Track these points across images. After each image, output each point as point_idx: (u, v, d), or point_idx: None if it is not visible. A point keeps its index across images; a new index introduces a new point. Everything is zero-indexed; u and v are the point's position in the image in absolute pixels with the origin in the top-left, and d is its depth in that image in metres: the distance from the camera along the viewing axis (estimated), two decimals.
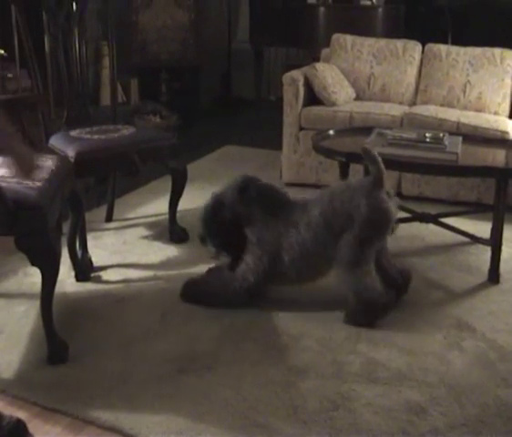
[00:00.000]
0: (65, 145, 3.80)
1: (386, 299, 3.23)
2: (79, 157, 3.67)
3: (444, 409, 2.64)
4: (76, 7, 4.20)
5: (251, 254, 3.32)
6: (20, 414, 2.50)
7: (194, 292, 3.43)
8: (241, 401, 2.64)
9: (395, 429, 2.51)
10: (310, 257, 3.27)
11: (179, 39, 7.07)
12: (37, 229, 2.74)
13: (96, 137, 3.92)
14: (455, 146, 3.88)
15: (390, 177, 4.93)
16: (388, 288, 3.28)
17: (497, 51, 5.42)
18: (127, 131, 4.07)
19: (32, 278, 3.57)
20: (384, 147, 3.73)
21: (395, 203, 3.28)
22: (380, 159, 3.23)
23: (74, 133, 3.98)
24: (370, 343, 3.09)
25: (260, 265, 3.30)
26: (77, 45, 4.25)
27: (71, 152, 3.69)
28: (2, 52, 5.52)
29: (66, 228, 3.73)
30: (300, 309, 3.38)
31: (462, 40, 5.89)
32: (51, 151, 3.80)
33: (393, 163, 3.71)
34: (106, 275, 3.73)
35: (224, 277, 3.40)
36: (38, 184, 2.87)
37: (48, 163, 3.16)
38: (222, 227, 3.42)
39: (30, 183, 2.83)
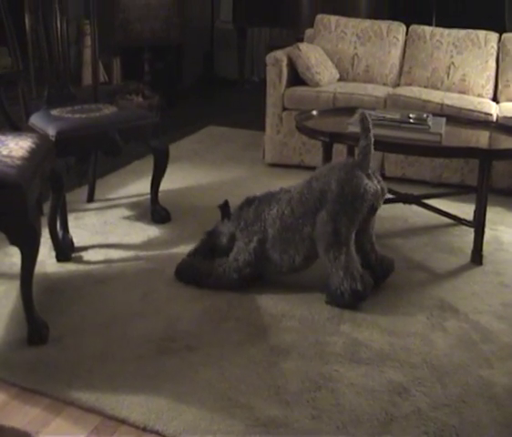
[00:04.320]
0: (45, 124, 3.76)
1: (365, 283, 3.22)
2: (60, 136, 3.63)
3: (426, 389, 2.63)
4: None
5: (241, 237, 3.37)
6: None
7: (188, 273, 3.41)
8: (223, 382, 2.62)
9: (378, 409, 2.50)
10: (288, 231, 3.27)
11: (162, 18, 7.00)
12: (17, 208, 2.71)
13: (77, 116, 3.88)
14: (438, 126, 3.87)
15: (373, 159, 4.94)
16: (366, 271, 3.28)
17: (482, 33, 5.42)
18: (108, 110, 4.03)
19: (12, 258, 3.54)
20: None
21: (378, 183, 3.24)
22: (371, 129, 3.22)
23: (55, 112, 3.94)
24: (352, 324, 3.08)
25: (249, 244, 3.31)
26: (58, 23, 4.18)
27: (52, 131, 3.65)
28: None
29: (46, 208, 3.69)
30: (282, 289, 3.36)
31: (446, 22, 5.88)
32: (31, 130, 3.76)
33: (376, 143, 3.66)
34: (87, 255, 3.69)
35: (218, 260, 3.41)
36: (18, 162, 2.83)
37: (28, 141, 3.12)
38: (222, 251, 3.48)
39: (9, 161, 2.79)
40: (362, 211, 3.18)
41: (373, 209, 3.25)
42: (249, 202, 3.44)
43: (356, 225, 3.20)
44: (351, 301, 3.18)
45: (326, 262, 3.22)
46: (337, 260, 3.16)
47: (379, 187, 3.24)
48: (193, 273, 3.39)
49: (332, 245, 3.16)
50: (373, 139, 3.23)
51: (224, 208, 3.47)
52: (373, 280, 3.30)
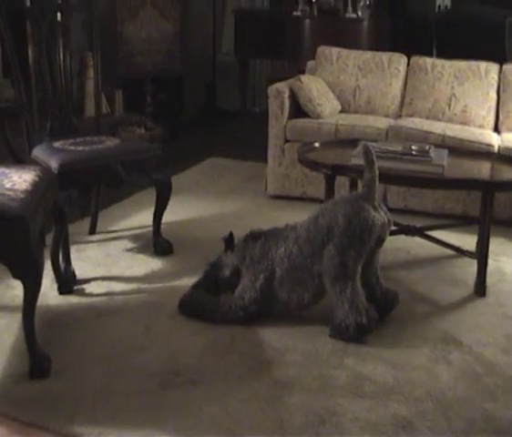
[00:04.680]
0: (48, 156, 3.77)
1: (370, 316, 3.20)
2: (62, 169, 3.63)
3: (431, 423, 2.61)
4: (61, 17, 4.16)
5: (247, 274, 3.35)
6: None
7: (192, 306, 3.39)
8: (226, 416, 2.60)
9: None
10: (297, 271, 3.25)
11: (164, 50, 7.03)
12: (19, 241, 2.70)
13: (79, 148, 3.89)
14: (440, 158, 3.87)
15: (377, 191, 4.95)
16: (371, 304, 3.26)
17: (482, 64, 5.44)
18: (111, 142, 4.04)
19: (14, 290, 3.52)
20: None
21: (384, 214, 3.24)
22: (376, 161, 3.22)
23: (57, 144, 3.95)
24: (356, 357, 3.06)
25: (256, 282, 3.30)
26: (62, 56, 4.21)
27: (54, 163, 3.66)
28: None
29: (49, 240, 3.68)
30: (285, 323, 3.35)
31: (447, 53, 5.91)
32: (34, 162, 3.76)
33: (379, 175, 3.69)
34: (89, 288, 3.68)
35: (223, 297, 3.39)
36: (21, 195, 2.83)
37: (31, 174, 3.12)
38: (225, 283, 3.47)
39: (12, 194, 2.79)
40: (370, 244, 3.17)
41: (381, 241, 3.24)
42: (254, 237, 3.41)
43: (364, 258, 3.19)
44: (355, 335, 3.16)
45: (332, 295, 3.20)
46: (343, 293, 3.15)
47: (386, 218, 3.23)
48: (197, 307, 3.38)
49: (338, 278, 3.15)
50: (377, 172, 3.23)
51: (229, 239, 3.46)
52: (378, 313, 3.28)
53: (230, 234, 3.48)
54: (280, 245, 3.31)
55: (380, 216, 3.19)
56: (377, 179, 3.23)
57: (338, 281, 3.15)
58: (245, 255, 3.38)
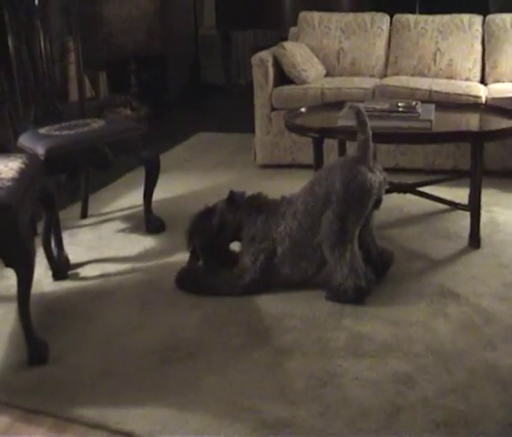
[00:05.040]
0: (34, 143, 3.74)
1: (368, 279, 3.20)
2: (49, 155, 3.61)
3: (432, 377, 2.61)
4: (38, 2, 4.12)
5: (247, 253, 3.32)
6: (2, 419, 2.46)
7: (190, 282, 3.38)
8: (227, 387, 2.60)
9: (384, 401, 2.48)
10: (299, 246, 3.23)
11: (145, 29, 6.97)
12: (9, 229, 2.69)
13: (65, 132, 3.86)
14: (428, 113, 3.85)
15: None
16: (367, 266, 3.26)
17: (465, 17, 5.42)
18: (96, 124, 4.02)
19: (8, 280, 3.50)
20: None
21: (380, 174, 3.22)
22: (368, 122, 3.20)
23: (43, 130, 3.92)
24: (354, 318, 3.06)
25: (256, 262, 3.28)
26: (42, 42, 4.17)
27: (41, 150, 3.64)
28: None
29: (41, 227, 3.66)
30: (281, 289, 3.34)
31: (430, 8, 5.87)
32: (21, 151, 3.74)
33: None
34: (83, 272, 3.67)
35: (221, 274, 3.36)
36: (8, 184, 2.81)
37: (17, 162, 3.10)
38: (209, 232, 3.39)
39: None
40: (368, 206, 3.16)
41: (378, 202, 3.22)
42: (257, 210, 3.34)
43: (362, 221, 3.18)
44: (354, 298, 3.16)
45: (331, 260, 3.19)
46: (342, 258, 3.13)
47: (382, 178, 3.21)
48: (195, 283, 3.36)
49: (337, 243, 3.13)
50: (370, 132, 3.20)
51: (236, 196, 3.40)
52: (374, 274, 3.28)
53: (235, 193, 3.42)
54: (279, 223, 3.27)
55: (376, 177, 3.17)
56: (371, 140, 3.21)
57: (337, 246, 3.13)
58: (249, 226, 3.33)
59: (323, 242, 3.18)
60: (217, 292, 3.30)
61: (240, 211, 3.37)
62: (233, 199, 3.39)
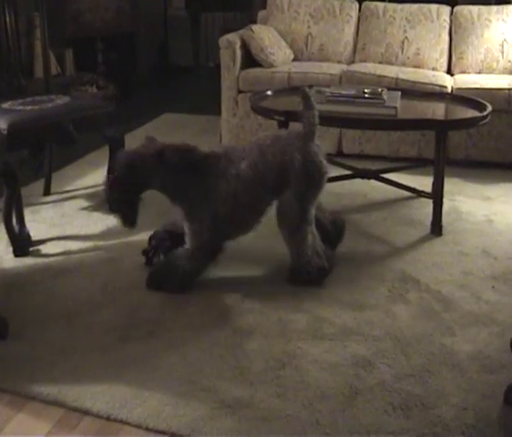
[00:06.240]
0: None
1: (328, 257, 3.22)
2: (11, 129, 3.57)
3: (390, 361, 2.64)
4: None
5: (190, 226, 3.16)
6: None
7: (156, 281, 3.23)
8: (186, 366, 2.60)
9: (343, 384, 2.50)
10: (243, 209, 3.15)
11: (114, 7, 6.90)
12: None
13: (29, 108, 3.82)
14: (393, 100, 3.87)
15: (330, 136, 4.95)
16: (324, 241, 3.27)
17: (434, 7, 5.46)
18: (61, 101, 3.98)
19: None
20: (322, 104, 3.69)
21: (324, 155, 3.21)
22: (315, 104, 3.19)
23: (5, 105, 3.88)
24: (315, 300, 3.08)
25: (202, 228, 3.14)
26: (7, 17, 4.12)
27: (3, 124, 3.59)
28: None
29: (1, 203, 3.62)
30: (242, 270, 3.36)
31: None
32: None
33: (332, 119, 3.71)
34: (45, 248, 3.64)
35: (172, 261, 3.22)
36: None
37: None
38: (132, 189, 3.12)
39: None
40: (323, 187, 3.17)
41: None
42: (194, 168, 3.11)
43: (317, 201, 3.20)
44: (316, 279, 3.18)
45: (291, 244, 3.18)
46: (304, 241, 3.14)
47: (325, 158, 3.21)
48: (160, 282, 3.22)
49: (299, 227, 3.13)
50: (317, 111, 3.18)
51: (167, 154, 3.11)
52: (331, 246, 3.32)
53: (167, 151, 3.12)
54: (219, 182, 3.09)
55: (324, 156, 3.18)
56: (318, 119, 3.18)
57: (299, 230, 3.13)
58: (185, 189, 3.12)
59: (283, 225, 3.17)
60: (175, 284, 3.18)
61: (172, 172, 3.10)
62: (164, 157, 3.09)
